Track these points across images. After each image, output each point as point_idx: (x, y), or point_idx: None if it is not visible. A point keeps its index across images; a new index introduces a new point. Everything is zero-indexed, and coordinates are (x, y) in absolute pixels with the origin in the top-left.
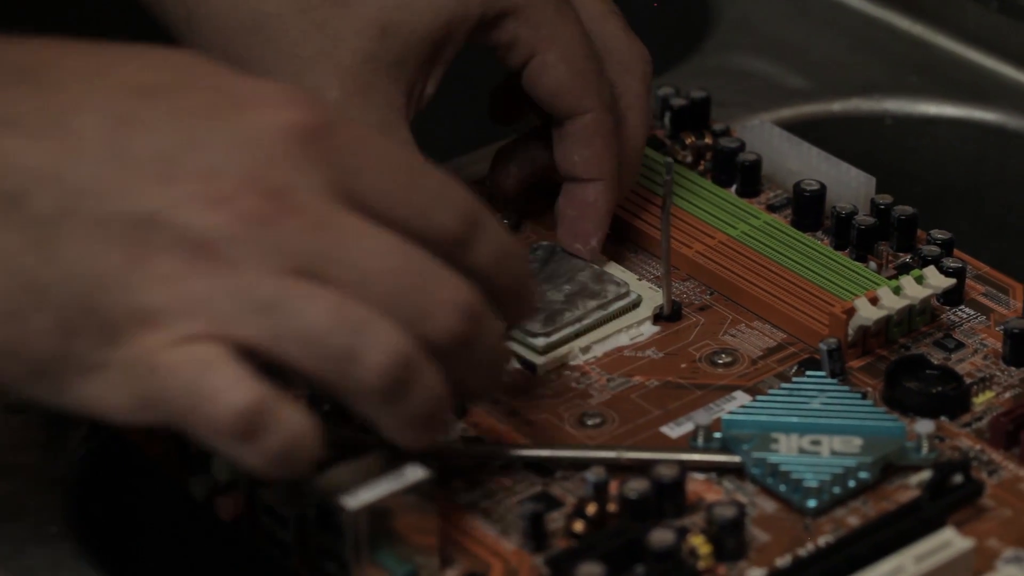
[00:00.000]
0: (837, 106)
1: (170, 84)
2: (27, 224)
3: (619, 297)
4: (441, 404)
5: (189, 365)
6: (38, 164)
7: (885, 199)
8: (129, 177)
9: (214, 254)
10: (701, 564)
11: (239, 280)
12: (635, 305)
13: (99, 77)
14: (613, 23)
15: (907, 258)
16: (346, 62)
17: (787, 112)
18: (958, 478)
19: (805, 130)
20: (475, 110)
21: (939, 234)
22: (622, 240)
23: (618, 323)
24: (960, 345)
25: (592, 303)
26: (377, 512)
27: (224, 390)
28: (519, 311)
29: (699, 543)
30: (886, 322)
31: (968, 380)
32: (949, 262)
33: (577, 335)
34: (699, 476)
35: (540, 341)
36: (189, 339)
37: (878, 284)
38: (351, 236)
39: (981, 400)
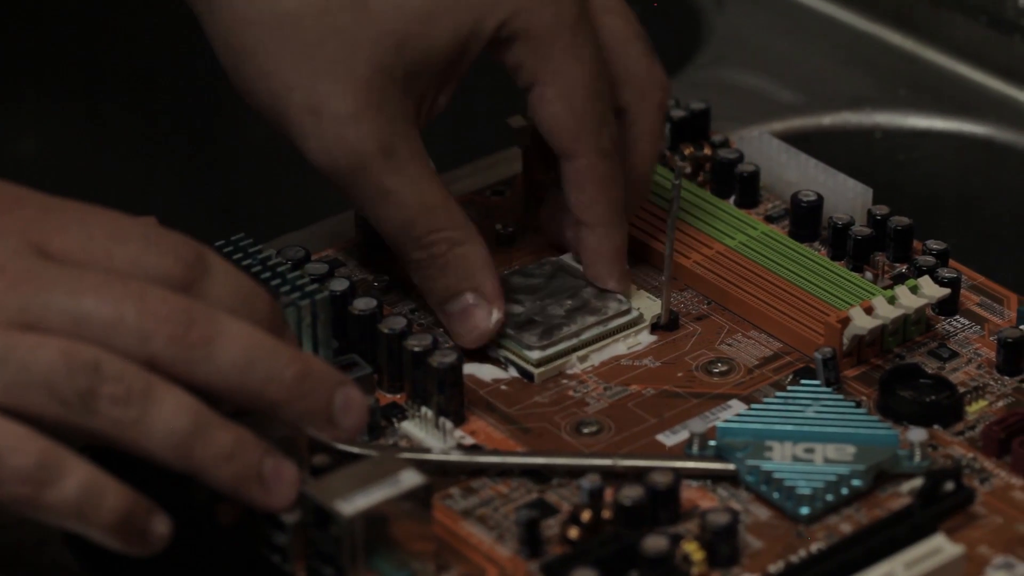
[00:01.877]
0: (827, 120)
1: None
2: None
3: (619, 314)
4: (199, 412)
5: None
6: None
7: (882, 210)
8: None
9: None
10: (695, 570)
11: None
12: (635, 323)
13: None
14: (637, 47)
15: (903, 268)
16: (361, 71)
17: (778, 125)
18: (950, 485)
19: (796, 143)
20: (480, 117)
21: (935, 244)
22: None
23: (616, 333)
24: (954, 355)
25: (592, 319)
26: (373, 518)
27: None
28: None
29: (692, 549)
30: (881, 331)
31: (962, 389)
32: (944, 272)
33: (574, 350)
34: (694, 484)
35: (535, 354)
36: None
37: (874, 294)
38: (55, 282)
39: (974, 409)
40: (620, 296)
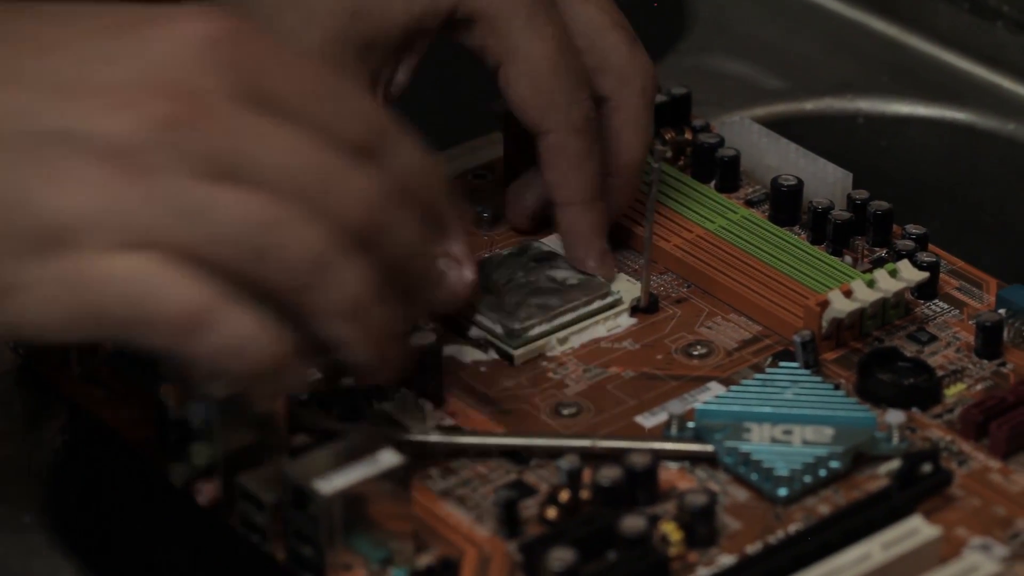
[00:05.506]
0: (810, 105)
1: (79, 9)
2: None
3: (599, 296)
4: (377, 285)
5: (125, 273)
6: None
7: (861, 194)
8: (31, 97)
9: (129, 162)
10: (672, 551)
11: (158, 186)
12: (615, 305)
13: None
14: (615, 36)
15: (883, 252)
16: (316, 40)
17: (761, 111)
18: (927, 467)
19: (779, 129)
20: (463, 101)
21: (914, 229)
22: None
23: (596, 315)
24: (933, 338)
25: (572, 301)
26: (351, 498)
27: (164, 291)
28: (437, 225)
29: (670, 530)
30: (860, 315)
31: (940, 372)
32: (923, 256)
33: (554, 332)
34: (673, 465)
35: (515, 337)
36: (119, 248)
37: (853, 278)
38: (262, 135)
39: (952, 392)
40: (600, 278)
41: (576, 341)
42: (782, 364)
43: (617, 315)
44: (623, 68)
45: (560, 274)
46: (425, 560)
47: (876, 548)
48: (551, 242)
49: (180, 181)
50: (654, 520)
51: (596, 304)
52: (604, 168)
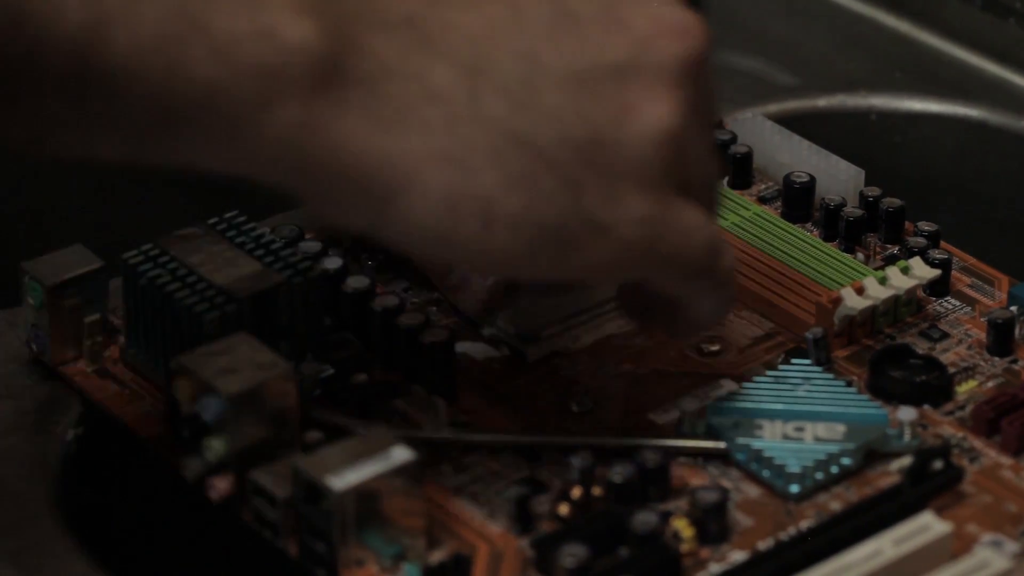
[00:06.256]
0: (823, 102)
1: None
2: (500, 89)
3: (612, 294)
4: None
5: (697, 223)
6: (485, 33)
7: (873, 191)
8: (580, 33)
9: (687, 84)
10: (684, 547)
11: (705, 124)
12: None
13: None
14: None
15: (895, 250)
16: None
17: (773, 107)
18: (938, 464)
19: (791, 125)
20: None
21: (926, 226)
22: None
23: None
24: (945, 335)
25: (585, 298)
26: (364, 494)
27: (697, 221)
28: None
29: (682, 526)
30: (872, 312)
31: (952, 370)
32: (935, 253)
33: (567, 329)
34: (685, 462)
35: (528, 333)
36: (676, 189)
37: (865, 275)
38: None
39: (964, 389)
40: None
41: (589, 338)
42: (794, 361)
43: None
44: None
45: None
46: (437, 556)
47: (887, 544)
48: None
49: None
50: (666, 516)
51: (610, 302)
52: None
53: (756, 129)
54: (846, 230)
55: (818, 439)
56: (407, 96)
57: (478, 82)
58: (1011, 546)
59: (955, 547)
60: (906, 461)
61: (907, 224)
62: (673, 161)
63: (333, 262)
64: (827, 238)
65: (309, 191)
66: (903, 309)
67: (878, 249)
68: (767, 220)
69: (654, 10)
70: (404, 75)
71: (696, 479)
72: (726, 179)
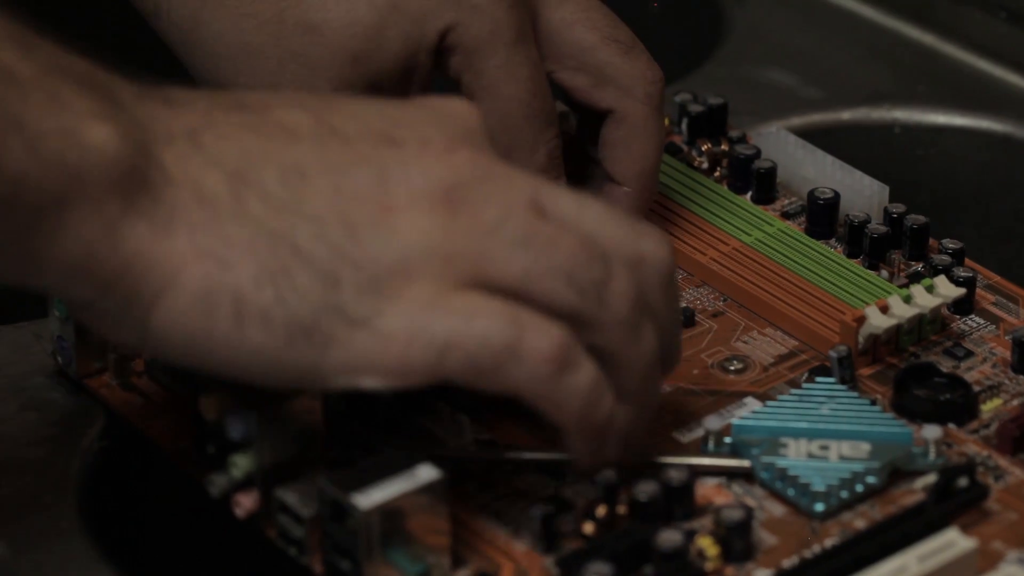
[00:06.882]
0: (847, 115)
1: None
2: (263, 193)
3: None
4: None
5: (485, 310)
6: (258, 146)
7: (898, 208)
8: (348, 148)
9: (454, 200)
10: (709, 565)
11: (487, 221)
12: None
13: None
14: (606, 51)
15: (919, 267)
16: (324, 90)
17: (797, 120)
18: (963, 481)
19: (815, 138)
20: None
21: (950, 244)
22: None
23: None
24: (969, 354)
25: None
26: (389, 512)
27: (533, 333)
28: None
29: (707, 544)
30: (896, 330)
31: (976, 388)
32: (960, 271)
33: None
34: (709, 480)
35: None
36: (458, 285)
37: (889, 293)
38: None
39: (989, 407)
40: None
41: None
42: (818, 379)
43: None
44: (620, 80)
45: None
46: (462, 574)
47: (912, 561)
48: None
49: (508, 214)
50: (691, 535)
51: None
52: (619, 179)
53: (780, 144)
54: (870, 247)
55: (843, 457)
56: (180, 201)
57: (243, 187)
58: None
59: (980, 564)
60: (931, 479)
61: (932, 241)
62: (443, 254)
63: None
64: (851, 255)
65: (87, 298)
66: (927, 327)
67: (902, 266)
68: (791, 236)
69: (423, 131)
70: (181, 183)
71: (720, 498)
72: (750, 194)
